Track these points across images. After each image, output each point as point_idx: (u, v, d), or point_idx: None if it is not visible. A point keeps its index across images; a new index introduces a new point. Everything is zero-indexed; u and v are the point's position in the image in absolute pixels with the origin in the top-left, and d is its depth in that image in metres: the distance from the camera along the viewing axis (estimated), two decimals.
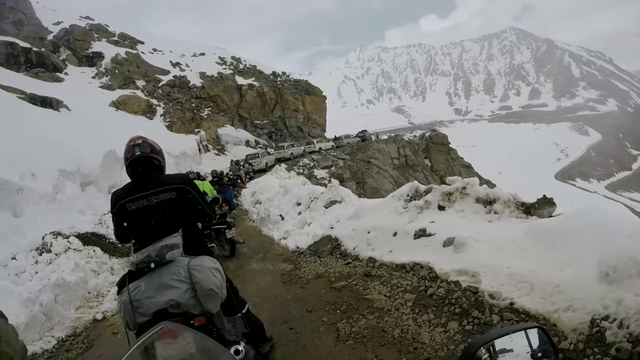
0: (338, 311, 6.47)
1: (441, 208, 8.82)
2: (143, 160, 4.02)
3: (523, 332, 1.78)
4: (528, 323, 1.82)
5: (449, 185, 9.15)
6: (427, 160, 68.79)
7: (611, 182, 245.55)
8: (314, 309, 6.72)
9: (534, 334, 1.81)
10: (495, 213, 7.76)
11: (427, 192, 9.59)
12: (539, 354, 1.77)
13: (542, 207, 7.32)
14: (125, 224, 3.94)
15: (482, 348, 1.63)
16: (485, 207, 8.10)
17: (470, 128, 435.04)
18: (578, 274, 4.71)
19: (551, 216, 7.14)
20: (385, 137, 73.73)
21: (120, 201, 3.94)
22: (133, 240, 4.02)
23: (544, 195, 7.61)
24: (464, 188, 8.67)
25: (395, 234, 8.68)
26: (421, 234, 7.99)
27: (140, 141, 4.09)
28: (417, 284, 6.59)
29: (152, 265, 3.41)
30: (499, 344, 1.70)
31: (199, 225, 4.54)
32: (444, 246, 7.12)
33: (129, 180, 4.15)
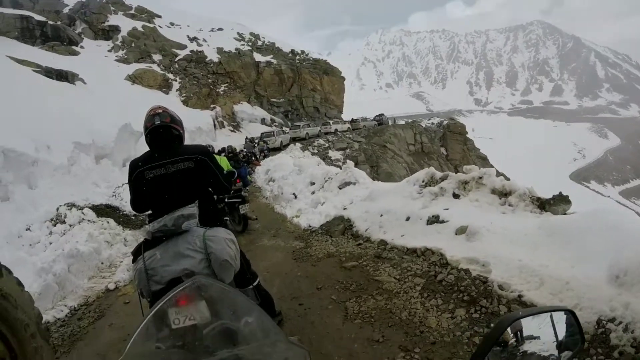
0: (347, 290, 6.51)
1: (456, 196, 8.81)
2: (163, 130, 4.05)
3: (549, 316, 1.75)
4: (558, 305, 1.80)
5: (466, 174, 9.12)
6: (443, 148, 68.43)
7: (626, 188, 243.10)
8: (323, 287, 6.77)
9: (561, 317, 1.78)
10: (510, 205, 7.77)
11: (442, 179, 9.57)
12: (565, 341, 1.75)
13: (557, 203, 7.33)
14: (142, 192, 3.97)
15: (509, 330, 1.59)
16: (500, 198, 8.10)
17: (489, 119, 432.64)
18: (588, 274, 4.71)
19: (565, 214, 7.12)
20: (402, 122, 73.44)
21: (138, 169, 3.94)
22: (149, 212, 4.03)
23: (560, 193, 7.59)
24: (480, 178, 8.67)
25: (408, 219, 8.70)
26: (434, 220, 8.01)
27: (160, 110, 4.11)
28: (427, 269, 6.60)
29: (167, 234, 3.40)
30: (527, 329, 1.68)
31: (214, 198, 4.53)
32: (456, 234, 7.13)
33: (144, 152, 4.15)
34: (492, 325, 1.57)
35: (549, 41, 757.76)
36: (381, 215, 9.42)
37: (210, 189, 4.30)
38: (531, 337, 1.68)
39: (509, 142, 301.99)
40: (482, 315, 5.09)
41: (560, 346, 1.73)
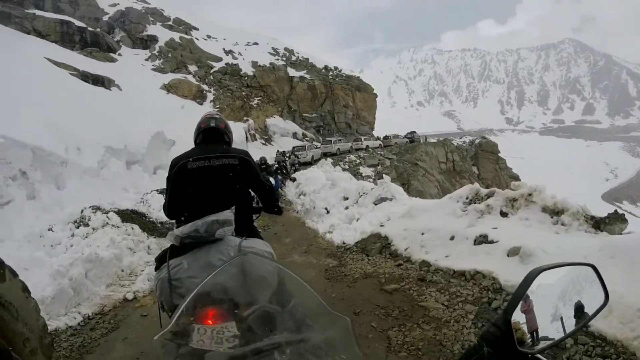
0: (389, 317, 6.01)
1: (503, 214, 8.33)
2: (216, 132, 4.03)
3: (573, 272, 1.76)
4: (580, 261, 1.60)
5: (514, 190, 8.62)
6: (474, 167, 68.37)
7: None
8: (361, 312, 6.26)
9: (585, 272, 1.76)
10: (563, 225, 7.34)
11: (488, 196, 9.08)
12: (591, 296, 1.72)
13: (613, 222, 6.96)
14: (182, 187, 3.69)
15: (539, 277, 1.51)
16: (551, 217, 7.68)
17: (520, 139, 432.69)
18: None
19: (621, 233, 6.72)
20: (433, 140, 73.23)
21: (181, 161, 3.71)
22: (182, 218, 3.62)
23: (615, 211, 7.25)
24: (529, 195, 8.22)
25: (452, 238, 8.22)
26: (482, 240, 7.54)
27: (217, 116, 4.15)
28: (479, 294, 6.11)
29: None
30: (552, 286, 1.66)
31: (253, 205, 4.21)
32: (508, 255, 6.67)
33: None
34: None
35: (580, 59, 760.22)
36: (422, 234, 8.93)
37: (253, 187, 4.05)
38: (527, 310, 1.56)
39: (540, 161, 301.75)
40: (547, 350, 4.48)
41: (560, 321, 1.64)
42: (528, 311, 1.53)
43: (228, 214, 3.04)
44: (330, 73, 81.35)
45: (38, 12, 52.22)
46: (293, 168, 33.58)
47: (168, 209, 3.81)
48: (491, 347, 1.40)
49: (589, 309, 1.66)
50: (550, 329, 1.57)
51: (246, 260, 1.88)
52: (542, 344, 1.51)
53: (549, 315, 1.61)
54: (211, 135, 3.99)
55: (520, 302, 1.49)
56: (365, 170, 40.13)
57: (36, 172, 11.24)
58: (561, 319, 1.60)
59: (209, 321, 1.77)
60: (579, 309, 1.64)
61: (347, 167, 39.72)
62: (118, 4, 72.15)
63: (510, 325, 1.39)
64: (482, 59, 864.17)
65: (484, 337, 1.42)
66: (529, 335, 1.51)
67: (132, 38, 65.23)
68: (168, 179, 3.76)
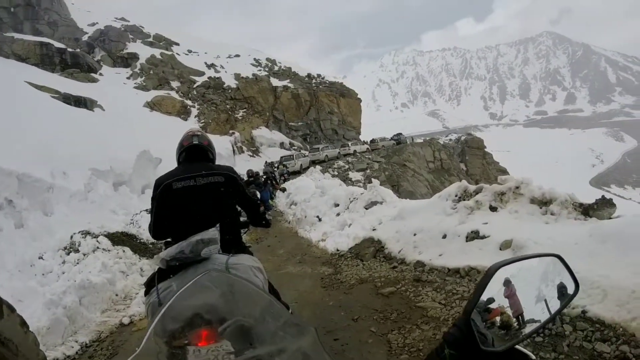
0: (388, 320, 5.98)
1: (493, 209, 8.32)
2: (199, 150, 4.02)
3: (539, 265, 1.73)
4: (544, 252, 1.60)
5: (501, 184, 8.65)
6: (462, 164, 68.79)
7: None
8: (360, 318, 6.22)
9: (550, 263, 1.73)
10: (552, 214, 7.34)
11: (477, 192, 9.08)
12: (560, 287, 1.68)
13: (601, 208, 6.93)
14: (167, 206, 3.64)
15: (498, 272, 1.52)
16: (540, 208, 7.65)
17: (505, 133, 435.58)
18: None
19: (611, 218, 6.73)
20: (420, 140, 73.55)
21: (165, 181, 3.66)
22: (169, 239, 3.64)
23: (603, 196, 7.23)
24: (517, 187, 8.23)
25: (444, 236, 8.21)
26: (474, 236, 7.52)
27: (199, 133, 4.15)
28: None
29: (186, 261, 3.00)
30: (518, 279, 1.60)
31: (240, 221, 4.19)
32: (500, 249, 6.65)
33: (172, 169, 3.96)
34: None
35: (559, 51, 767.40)
36: (414, 235, 8.91)
37: (240, 203, 4.06)
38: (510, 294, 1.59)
39: (526, 153, 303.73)
40: (546, 339, 4.55)
41: (544, 302, 1.64)
42: (511, 295, 1.55)
43: (213, 233, 3.02)
44: (314, 81, 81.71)
45: (17, 35, 52.36)
46: (282, 178, 33.73)
47: (153, 229, 3.77)
48: (453, 349, 1.39)
49: (563, 298, 1.65)
50: (536, 311, 1.57)
51: (210, 277, 1.91)
52: (509, 338, 1.49)
53: (533, 298, 1.61)
54: (194, 153, 3.97)
55: (503, 288, 1.52)
56: (354, 175, 40.29)
57: (23, 200, 11.05)
58: (545, 300, 1.60)
59: (194, 342, 1.81)
60: (561, 289, 1.65)
61: (336, 173, 39.73)
62: (97, 23, 72.54)
63: (471, 325, 1.38)
64: (462, 57, 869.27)
65: (445, 338, 1.41)
66: (514, 320, 1.52)
67: (113, 57, 65.39)
68: (153, 199, 3.72)
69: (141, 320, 7.78)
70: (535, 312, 1.58)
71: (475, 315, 1.46)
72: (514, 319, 1.53)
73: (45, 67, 48.61)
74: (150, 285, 3.11)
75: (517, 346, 1.51)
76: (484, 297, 1.49)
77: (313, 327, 1.67)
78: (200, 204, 3.58)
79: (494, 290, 1.53)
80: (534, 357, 1.50)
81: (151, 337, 1.61)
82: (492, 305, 1.53)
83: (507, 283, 1.55)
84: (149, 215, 3.85)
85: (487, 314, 1.52)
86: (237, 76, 70.56)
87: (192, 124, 50.40)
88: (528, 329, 1.54)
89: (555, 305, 1.62)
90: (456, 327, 1.40)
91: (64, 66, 51.99)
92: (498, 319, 1.53)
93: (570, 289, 1.66)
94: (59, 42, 56.50)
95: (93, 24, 72.05)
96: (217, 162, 4.21)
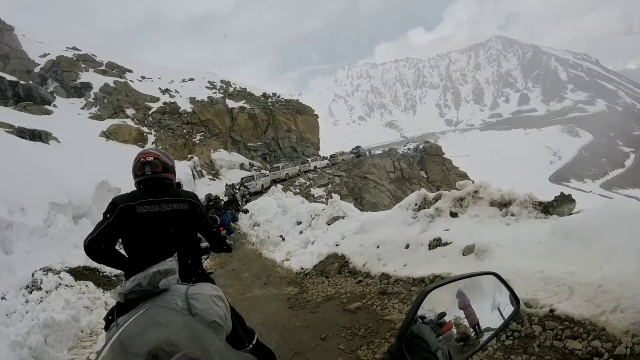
0: (356, 336, 5.96)
1: (453, 215, 8.42)
2: (153, 182, 3.77)
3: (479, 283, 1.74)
4: (480, 271, 1.61)
5: (460, 189, 8.71)
6: (422, 172, 69.70)
7: (605, 181, 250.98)
8: (328, 336, 6.19)
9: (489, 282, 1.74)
10: (513, 215, 7.48)
11: (436, 199, 9.19)
12: (500, 305, 1.69)
13: (561, 204, 7.06)
14: (127, 231, 3.55)
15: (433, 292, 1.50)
16: (500, 209, 7.81)
17: (462, 138, 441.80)
18: (620, 271, 4.38)
19: (571, 213, 6.83)
20: (379, 151, 74.14)
21: (125, 203, 3.54)
22: (125, 271, 3.59)
23: (562, 193, 7.31)
24: (476, 192, 8.34)
25: (407, 247, 8.24)
26: (436, 243, 7.57)
27: (151, 158, 3.83)
28: None
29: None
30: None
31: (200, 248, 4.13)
32: (463, 254, 6.71)
33: (131, 191, 3.84)
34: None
35: (509, 54, 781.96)
36: (377, 247, 8.94)
37: (202, 232, 4.03)
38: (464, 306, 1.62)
39: (485, 156, 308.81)
40: (516, 341, 4.57)
41: (497, 310, 1.69)
42: (465, 307, 1.56)
43: (170, 263, 2.92)
44: (270, 100, 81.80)
45: None
46: (244, 200, 33.45)
47: (90, 241, 3.55)
48: None
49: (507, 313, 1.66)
50: (493, 319, 1.60)
51: (152, 312, 1.84)
52: (467, 349, 1.51)
53: (488, 307, 1.64)
54: (150, 188, 3.75)
55: (457, 301, 1.56)
56: (316, 191, 40.53)
57: None
58: (498, 309, 1.63)
59: None
60: (512, 302, 1.66)
61: (298, 190, 39.72)
62: (49, 53, 71.31)
63: (404, 352, 1.35)
64: (415, 67, 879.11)
65: None
66: (471, 330, 1.54)
67: (66, 87, 64.38)
68: (106, 215, 3.59)
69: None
70: (492, 319, 1.60)
71: (427, 331, 1.46)
72: (471, 329, 1.54)
73: None
74: (109, 320, 3.05)
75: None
76: (434, 312, 1.52)
77: (253, 358, 1.77)
78: (163, 231, 3.54)
79: (446, 305, 1.56)
80: None
81: None
82: (445, 319, 1.53)
83: (461, 295, 1.56)
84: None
85: (440, 328, 1.52)
86: (193, 100, 70.28)
87: None
88: (484, 337, 1.56)
89: (509, 311, 1.64)
90: (390, 353, 1.38)
91: (17, 99, 51.38)
92: (454, 330, 1.54)
93: (511, 306, 1.67)
94: (10, 75, 55.75)
95: (45, 55, 70.93)
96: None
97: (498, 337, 4.66)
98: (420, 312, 1.47)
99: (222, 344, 1.79)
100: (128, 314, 2.84)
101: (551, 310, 4.57)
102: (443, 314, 1.54)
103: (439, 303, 1.52)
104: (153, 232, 3.49)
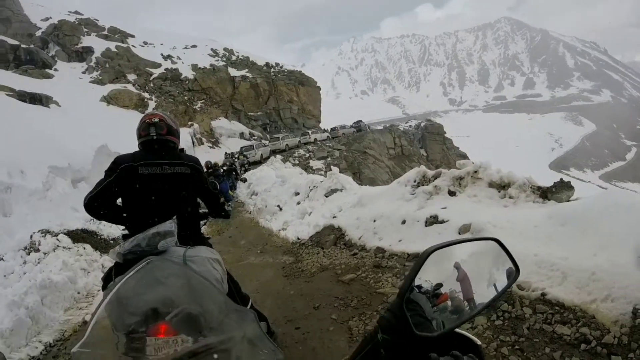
0: (349, 307, 6.01)
1: (452, 193, 8.42)
2: (158, 144, 3.79)
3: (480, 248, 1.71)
4: (482, 236, 1.69)
5: (459, 169, 8.70)
6: (422, 150, 69.64)
7: (605, 172, 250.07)
8: (321, 306, 6.24)
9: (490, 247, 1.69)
10: (511, 198, 7.47)
11: (435, 177, 9.16)
12: (499, 271, 1.67)
13: (560, 190, 7.05)
14: (128, 191, 3.59)
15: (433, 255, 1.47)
16: (499, 191, 7.80)
17: (464, 118, 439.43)
18: (614, 260, 4.36)
19: (569, 200, 6.84)
20: (380, 127, 73.88)
21: (128, 163, 3.57)
22: (126, 232, 3.65)
23: (561, 179, 7.35)
24: (475, 172, 8.32)
25: (404, 222, 8.27)
26: (433, 221, 7.59)
27: (157, 119, 3.85)
28: None
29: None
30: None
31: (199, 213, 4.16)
32: (459, 233, 6.73)
33: (134, 151, 3.86)
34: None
35: (517, 36, 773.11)
36: (374, 221, 8.99)
37: (202, 196, 4.08)
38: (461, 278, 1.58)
39: (486, 138, 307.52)
40: (506, 322, 4.60)
41: (494, 287, 1.63)
42: (462, 279, 1.54)
43: (169, 225, 2.96)
44: (272, 70, 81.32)
45: None
46: (243, 169, 33.45)
47: (90, 199, 3.60)
48: (386, 334, 1.38)
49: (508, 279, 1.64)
50: (488, 295, 1.57)
51: (154, 265, 1.93)
52: (445, 324, 1.48)
53: (484, 282, 1.60)
54: (154, 149, 3.77)
55: (455, 272, 1.53)
56: (315, 164, 40.43)
57: None
58: (495, 285, 1.60)
59: (153, 334, 1.87)
60: (510, 273, 1.64)
61: (297, 162, 39.89)
62: (50, 17, 70.78)
63: (404, 310, 1.35)
64: (421, 43, 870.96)
65: (379, 323, 1.41)
66: (466, 303, 1.53)
67: (67, 51, 63.94)
68: (108, 173, 3.62)
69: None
70: (487, 295, 1.57)
71: (423, 300, 1.47)
72: (465, 302, 1.52)
73: None
74: (107, 280, 3.11)
75: (463, 332, 1.49)
76: (433, 281, 1.52)
77: (253, 312, 1.79)
78: (165, 193, 3.58)
79: (443, 275, 1.55)
80: (479, 342, 1.48)
81: (98, 325, 1.69)
82: (442, 290, 1.53)
83: (459, 267, 1.54)
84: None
85: (436, 299, 1.52)
86: (195, 67, 69.99)
87: None
88: (476, 311, 1.55)
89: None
90: (390, 311, 1.39)
91: (18, 63, 51.12)
92: (449, 303, 1.53)
93: (510, 273, 1.64)
94: (12, 39, 55.40)
95: (46, 19, 70.38)
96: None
97: (489, 315, 4.73)
98: (417, 282, 1.48)
99: (222, 298, 1.85)
100: (125, 274, 2.90)
101: (543, 294, 4.60)
102: (440, 285, 1.54)
103: (436, 271, 1.52)
104: (154, 193, 3.52)
